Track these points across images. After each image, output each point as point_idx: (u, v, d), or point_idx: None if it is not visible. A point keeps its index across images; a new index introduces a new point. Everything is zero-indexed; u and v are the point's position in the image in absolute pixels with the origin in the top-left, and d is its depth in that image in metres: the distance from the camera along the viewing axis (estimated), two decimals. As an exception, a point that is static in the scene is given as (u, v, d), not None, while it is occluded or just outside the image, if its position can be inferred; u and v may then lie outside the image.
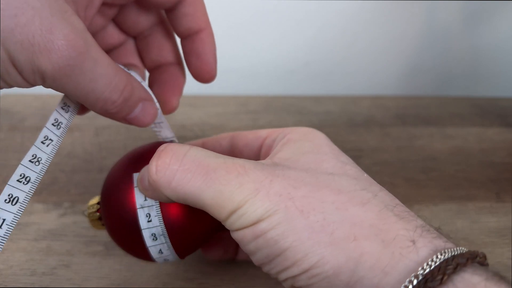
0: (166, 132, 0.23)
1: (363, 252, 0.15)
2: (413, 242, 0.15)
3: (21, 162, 0.18)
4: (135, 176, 0.20)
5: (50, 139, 0.18)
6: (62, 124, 0.19)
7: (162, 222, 0.20)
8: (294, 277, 0.16)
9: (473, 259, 0.15)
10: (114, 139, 0.39)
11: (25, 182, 0.18)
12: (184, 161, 0.17)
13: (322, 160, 0.18)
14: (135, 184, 0.20)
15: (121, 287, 0.26)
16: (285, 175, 0.17)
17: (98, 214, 0.22)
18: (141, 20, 0.22)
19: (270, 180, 0.17)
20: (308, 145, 0.19)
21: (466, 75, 0.54)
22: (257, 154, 0.22)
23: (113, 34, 0.22)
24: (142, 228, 0.20)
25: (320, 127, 0.23)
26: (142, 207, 0.20)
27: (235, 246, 0.25)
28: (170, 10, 0.21)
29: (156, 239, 0.20)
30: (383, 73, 0.54)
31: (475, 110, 0.48)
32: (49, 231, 0.30)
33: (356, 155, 0.39)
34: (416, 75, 0.54)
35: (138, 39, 0.23)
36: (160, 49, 0.22)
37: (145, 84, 0.22)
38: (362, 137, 0.42)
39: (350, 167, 0.19)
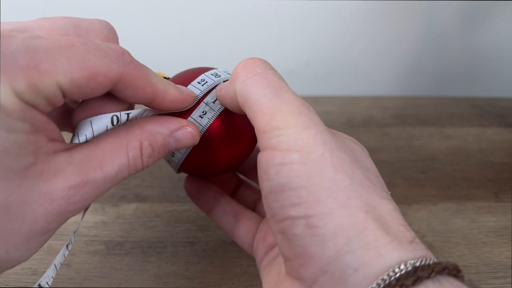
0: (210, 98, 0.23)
1: (367, 227, 0.16)
2: (410, 243, 0.16)
3: None
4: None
5: None
6: None
7: (207, 127, 0.21)
8: (293, 218, 0.16)
9: (458, 271, 0.16)
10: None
11: None
12: (267, 72, 0.19)
13: (365, 157, 0.20)
14: (218, 87, 0.22)
15: (122, 286, 0.26)
16: (336, 139, 0.18)
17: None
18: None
19: (322, 130, 0.17)
20: (359, 145, 0.20)
21: (465, 75, 0.54)
22: None
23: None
24: (191, 115, 0.21)
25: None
26: (206, 104, 0.22)
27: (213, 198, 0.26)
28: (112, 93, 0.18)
29: None
30: (382, 74, 0.54)
31: (474, 110, 0.49)
32: (50, 230, 0.30)
33: (356, 155, 0.39)
34: (415, 76, 0.54)
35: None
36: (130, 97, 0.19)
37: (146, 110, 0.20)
38: (361, 137, 0.42)
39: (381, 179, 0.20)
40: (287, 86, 0.19)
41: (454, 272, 0.16)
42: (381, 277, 0.15)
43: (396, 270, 0.15)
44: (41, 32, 0.17)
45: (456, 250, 0.29)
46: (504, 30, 0.51)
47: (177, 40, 0.50)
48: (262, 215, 0.26)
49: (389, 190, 0.19)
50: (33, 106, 0.15)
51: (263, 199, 0.17)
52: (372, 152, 0.41)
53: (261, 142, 0.17)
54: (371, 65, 0.53)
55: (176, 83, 0.22)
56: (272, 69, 0.19)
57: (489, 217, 0.33)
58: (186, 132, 0.20)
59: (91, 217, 0.31)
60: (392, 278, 0.14)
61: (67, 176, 0.16)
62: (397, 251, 0.15)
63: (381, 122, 0.45)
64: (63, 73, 0.15)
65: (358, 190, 0.16)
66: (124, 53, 0.17)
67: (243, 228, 0.25)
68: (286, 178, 0.16)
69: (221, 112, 0.22)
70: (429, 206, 0.34)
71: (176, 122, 0.20)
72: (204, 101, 0.22)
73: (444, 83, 0.55)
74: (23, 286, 0.26)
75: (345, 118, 0.46)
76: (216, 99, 0.22)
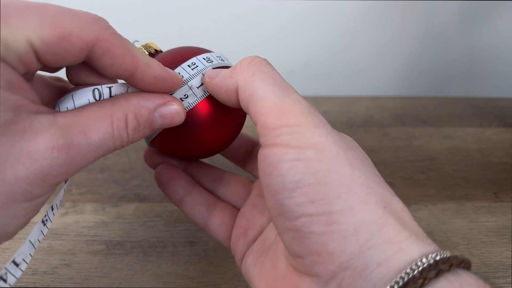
0: (196, 82, 0.22)
1: (387, 222, 0.16)
2: (426, 238, 0.16)
3: None
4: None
5: None
6: None
7: (186, 110, 0.21)
8: (311, 215, 0.16)
9: (470, 266, 0.16)
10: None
11: None
12: (274, 72, 0.19)
13: (367, 157, 0.20)
14: (206, 73, 0.21)
15: (122, 286, 0.26)
16: (342, 138, 0.18)
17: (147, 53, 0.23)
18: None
19: (331, 130, 0.17)
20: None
21: (464, 75, 0.55)
22: None
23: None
24: (172, 95, 0.20)
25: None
26: (190, 88, 0.21)
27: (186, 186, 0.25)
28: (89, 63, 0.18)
29: None
30: (382, 74, 0.54)
31: (474, 111, 0.49)
32: (51, 230, 0.30)
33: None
34: (414, 76, 0.54)
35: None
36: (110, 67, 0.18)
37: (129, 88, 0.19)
38: (361, 137, 0.42)
39: None
40: (293, 88, 0.19)
41: (468, 266, 0.16)
42: (404, 271, 0.15)
43: (419, 263, 0.15)
44: None
45: (455, 250, 0.29)
46: (504, 30, 0.51)
47: (177, 40, 0.50)
48: (216, 195, 0.26)
49: None
50: (5, 61, 0.15)
51: (270, 196, 0.17)
52: (372, 152, 0.41)
53: (268, 138, 0.17)
54: (371, 65, 0.53)
55: (165, 62, 0.21)
56: (277, 71, 0.19)
57: (489, 217, 0.33)
58: (172, 108, 0.20)
59: (91, 217, 0.31)
60: (416, 272, 0.15)
61: (50, 136, 0.15)
62: (417, 245, 0.15)
63: (381, 122, 0.46)
64: (33, 30, 0.15)
65: (374, 187, 0.16)
66: (100, 19, 0.17)
67: (216, 220, 0.24)
68: (301, 174, 0.16)
69: (203, 99, 0.21)
70: (428, 206, 0.34)
71: (161, 97, 0.19)
72: (188, 84, 0.21)
73: (444, 83, 0.55)
74: (24, 286, 0.26)
75: (345, 118, 0.46)
76: (201, 85, 0.21)
